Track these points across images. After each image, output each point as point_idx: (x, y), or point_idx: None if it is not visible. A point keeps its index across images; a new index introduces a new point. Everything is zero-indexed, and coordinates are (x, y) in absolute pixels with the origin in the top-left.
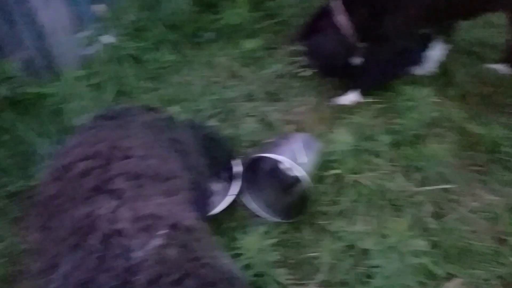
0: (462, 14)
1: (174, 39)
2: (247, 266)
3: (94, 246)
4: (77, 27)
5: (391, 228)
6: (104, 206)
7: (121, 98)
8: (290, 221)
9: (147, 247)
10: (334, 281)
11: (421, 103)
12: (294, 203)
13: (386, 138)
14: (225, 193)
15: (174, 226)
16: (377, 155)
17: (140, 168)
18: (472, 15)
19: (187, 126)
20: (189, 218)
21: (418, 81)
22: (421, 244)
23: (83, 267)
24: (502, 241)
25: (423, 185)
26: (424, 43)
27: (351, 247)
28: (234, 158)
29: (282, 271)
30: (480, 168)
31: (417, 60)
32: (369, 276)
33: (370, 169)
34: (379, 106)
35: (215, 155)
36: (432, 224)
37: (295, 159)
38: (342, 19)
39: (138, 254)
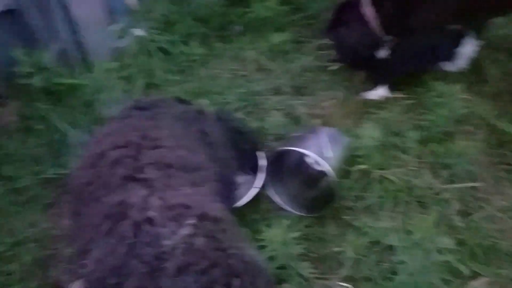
0: (494, 10)
1: (202, 32)
2: (271, 258)
3: (125, 233)
4: (109, 20)
5: (416, 225)
6: (135, 194)
7: (150, 90)
8: (315, 215)
9: (176, 236)
10: (357, 277)
11: (450, 99)
12: (318, 197)
13: (414, 134)
14: (249, 185)
15: (201, 216)
16: (404, 151)
17: (169, 158)
18: (504, 12)
19: (215, 119)
20: (216, 209)
21: (449, 77)
22: (447, 241)
23: (115, 253)
24: None
25: (451, 182)
26: (456, 39)
27: (375, 243)
28: (259, 151)
29: (305, 264)
30: (509, 166)
31: (447, 56)
32: (393, 272)
33: (397, 165)
34: (408, 102)
35: (241, 148)
36: (458, 222)
37: (321, 153)
38: (369, 11)
39: (167, 242)
